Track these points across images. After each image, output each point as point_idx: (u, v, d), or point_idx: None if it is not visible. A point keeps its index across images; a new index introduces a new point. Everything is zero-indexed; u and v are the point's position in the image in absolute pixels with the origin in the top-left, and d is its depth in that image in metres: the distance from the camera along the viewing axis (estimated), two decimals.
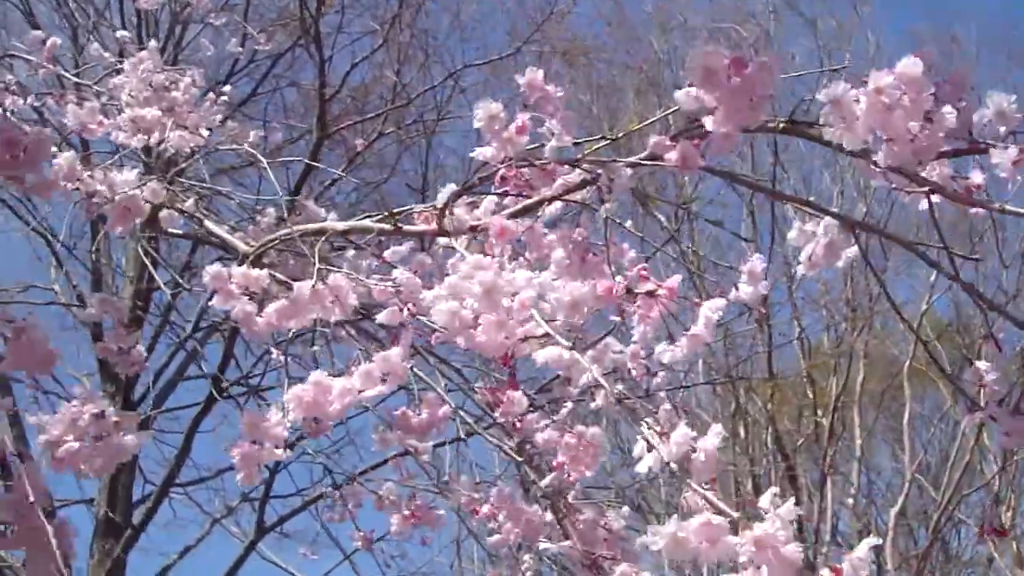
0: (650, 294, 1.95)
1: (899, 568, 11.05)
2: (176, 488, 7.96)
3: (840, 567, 1.41)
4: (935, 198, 1.95)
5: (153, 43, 2.95)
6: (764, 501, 1.38)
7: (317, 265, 2.00)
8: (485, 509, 2.79)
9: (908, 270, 12.09)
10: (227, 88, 4.51)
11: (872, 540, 1.47)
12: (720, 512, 1.39)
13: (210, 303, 2.09)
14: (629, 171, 1.98)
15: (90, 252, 7.73)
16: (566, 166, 2.05)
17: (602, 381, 1.69)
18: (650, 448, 1.52)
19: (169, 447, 8.10)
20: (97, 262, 7.70)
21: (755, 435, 11.31)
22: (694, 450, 1.49)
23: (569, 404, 2.92)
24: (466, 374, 3.27)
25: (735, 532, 1.35)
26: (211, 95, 3.27)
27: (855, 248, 2.15)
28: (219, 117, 3.14)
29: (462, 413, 2.93)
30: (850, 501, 11.57)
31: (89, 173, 2.41)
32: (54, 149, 2.35)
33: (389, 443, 2.92)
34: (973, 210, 1.98)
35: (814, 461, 11.28)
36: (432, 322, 1.82)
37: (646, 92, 11.97)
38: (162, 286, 4.79)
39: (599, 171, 1.99)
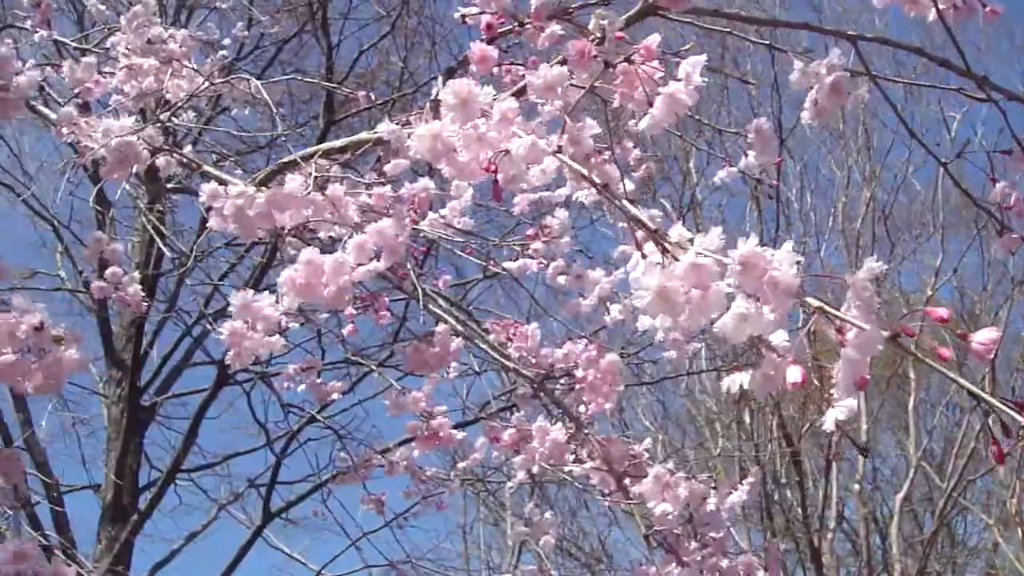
0: (627, 60, 1.67)
1: (904, 554, 11.06)
2: (182, 474, 7.97)
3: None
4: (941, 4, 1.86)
5: None
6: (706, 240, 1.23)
7: (313, 173, 1.93)
8: (506, 436, 2.75)
9: (913, 256, 12.08)
10: (226, 42, 4.48)
11: (877, 264, 1.24)
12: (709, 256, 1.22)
13: (202, 227, 2.05)
14: (617, 16, 1.83)
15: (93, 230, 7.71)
16: (554, 21, 1.91)
17: (571, 164, 1.58)
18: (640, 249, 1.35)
19: (175, 433, 8.14)
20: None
21: (760, 421, 11.31)
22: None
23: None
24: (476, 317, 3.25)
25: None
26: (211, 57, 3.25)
27: (863, 90, 2.02)
28: (217, 72, 3.11)
29: (475, 346, 2.88)
30: (856, 487, 11.57)
31: (85, 120, 2.39)
32: (17, 65, 2.33)
33: (402, 408, 2.90)
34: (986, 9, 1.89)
35: (819, 447, 11.28)
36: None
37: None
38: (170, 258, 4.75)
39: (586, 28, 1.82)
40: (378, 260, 1.84)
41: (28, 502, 6.45)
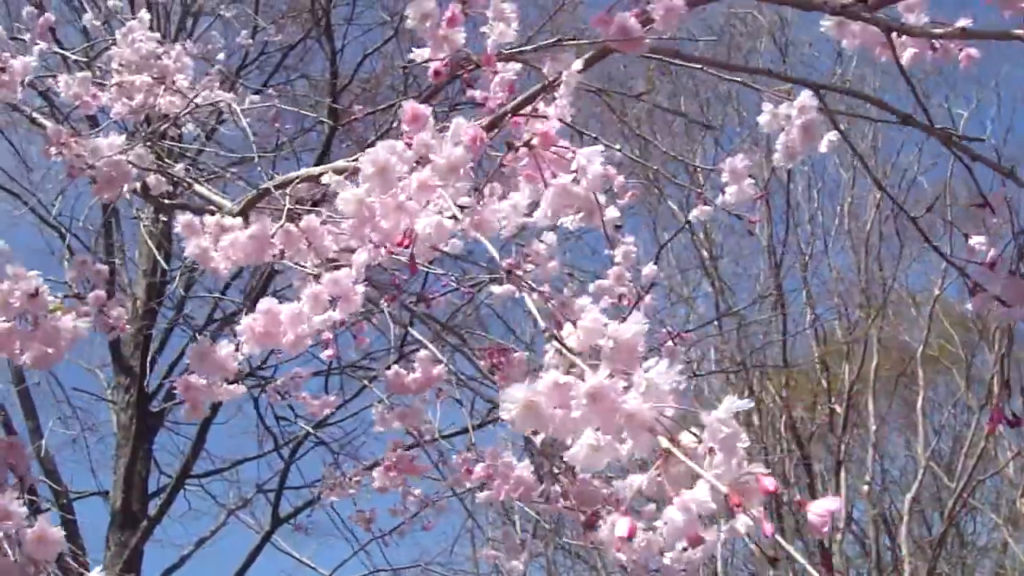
0: (527, 144, 1.65)
1: (914, 554, 11.03)
2: (191, 480, 7.99)
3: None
4: (911, 50, 1.88)
5: (144, 13, 2.92)
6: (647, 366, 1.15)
7: (287, 206, 1.93)
8: (478, 470, 2.76)
9: (920, 257, 12.05)
10: (220, 56, 4.47)
11: (736, 400, 1.12)
12: (576, 374, 1.17)
13: (184, 254, 2.04)
14: (574, 58, 1.84)
15: (95, 239, 7.73)
16: (508, 63, 1.93)
17: (499, 263, 1.60)
18: (555, 336, 1.26)
19: (184, 439, 8.16)
20: (110, 256, 7.71)
21: (769, 423, 11.30)
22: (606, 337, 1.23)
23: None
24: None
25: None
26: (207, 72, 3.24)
27: (834, 133, 1.98)
28: (217, 85, 3.11)
29: (455, 374, 2.90)
30: (864, 488, 11.54)
31: (75, 139, 2.40)
32: (6, 55, 2.35)
33: (389, 424, 2.91)
34: (961, 54, 1.89)
35: (828, 448, 11.27)
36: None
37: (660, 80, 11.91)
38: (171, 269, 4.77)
39: (544, 70, 1.85)
40: (334, 309, 1.83)
41: (37, 507, 6.47)
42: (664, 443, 1.12)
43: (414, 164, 1.57)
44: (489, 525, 12.23)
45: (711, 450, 1.11)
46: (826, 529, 1.09)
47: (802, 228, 11.88)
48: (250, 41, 7.67)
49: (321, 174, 2.16)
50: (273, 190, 2.10)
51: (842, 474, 10.76)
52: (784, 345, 10.95)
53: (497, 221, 1.67)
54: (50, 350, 1.90)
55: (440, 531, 14.93)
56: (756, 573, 11.60)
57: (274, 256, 1.94)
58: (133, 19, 2.87)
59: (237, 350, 1.95)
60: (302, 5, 8.32)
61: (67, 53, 3.36)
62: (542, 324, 1.28)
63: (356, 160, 2.00)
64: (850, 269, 12.04)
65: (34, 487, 6.16)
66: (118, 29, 2.95)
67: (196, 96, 2.82)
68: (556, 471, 2.55)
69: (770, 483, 1.10)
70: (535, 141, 1.64)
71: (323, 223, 1.99)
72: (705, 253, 11.62)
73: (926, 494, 12.18)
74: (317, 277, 1.85)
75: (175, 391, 2.11)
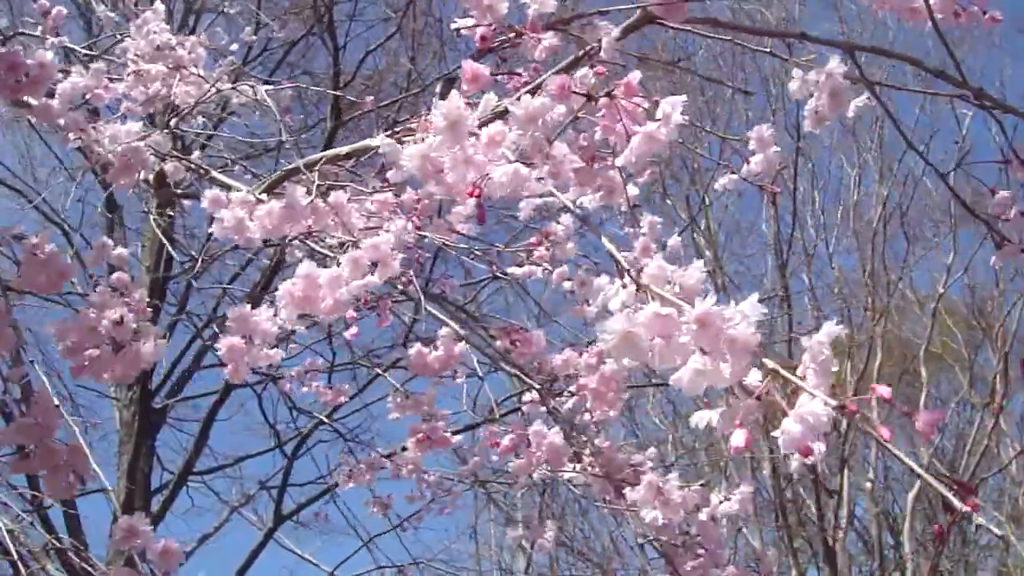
0: (608, 95, 1.72)
1: (916, 552, 11.03)
2: (194, 476, 8.00)
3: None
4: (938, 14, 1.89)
5: (159, 3, 2.93)
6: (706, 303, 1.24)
7: (316, 181, 1.95)
8: (506, 441, 2.77)
9: (925, 255, 12.05)
10: (234, 47, 4.47)
11: (836, 328, 1.28)
12: (673, 305, 1.25)
13: (209, 231, 2.06)
14: (612, 27, 1.89)
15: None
16: (550, 32, 1.95)
17: (562, 198, 1.61)
18: (624, 285, 1.36)
19: (186, 435, 8.17)
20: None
21: (772, 420, 11.27)
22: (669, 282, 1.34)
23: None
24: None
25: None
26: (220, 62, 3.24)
27: (863, 98, 2.01)
28: (226, 77, 3.12)
29: (478, 351, 2.90)
30: (868, 486, 11.55)
31: (93, 125, 2.40)
32: (59, 75, 2.35)
33: (405, 410, 2.91)
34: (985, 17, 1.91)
35: (832, 447, 11.26)
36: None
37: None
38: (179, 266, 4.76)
39: (584, 39, 1.89)
40: (373, 274, 1.85)
41: (41, 504, 6.47)
42: (770, 363, 1.25)
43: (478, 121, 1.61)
44: (491, 522, 12.28)
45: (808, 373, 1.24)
46: (932, 435, 1.30)
47: (806, 228, 11.86)
48: (254, 38, 7.66)
49: (348, 154, 2.19)
50: (303, 168, 2.09)
51: (845, 472, 10.75)
52: (789, 344, 10.94)
53: (571, 170, 1.74)
54: (131, 372, 2.05)
55: (442, 529, 14.96)
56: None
57: (306, 228, 1.96)
58: (146, 10, 2.87)
59: (275, 315, 1.97)
60: (305, 2, 8.33)
61: (76, 48, 3.36)
62: (622, 263, 1.36)
63: (404, 126, 2.03)
64: (854, 269, 12.03)
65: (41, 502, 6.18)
66: (132, 21, 2.96)
67: (213, 85, 2.82)
68: (585, 439, 2.55)
69: (886, 391, 1.26)
70: (617, 91, 1.70)
71: (349, 200, 2.01)
72: (709, 253, 11.61)
73: (929, 492, 12.17)
74: (356, 241, 1.86)
75: (191, 374, 2.15)
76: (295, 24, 8.58)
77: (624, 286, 1.36)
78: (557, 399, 2.74)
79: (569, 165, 1.71)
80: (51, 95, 2.38)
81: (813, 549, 10.88)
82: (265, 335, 2.04)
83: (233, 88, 2.99)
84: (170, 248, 4.77)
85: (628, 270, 1.34)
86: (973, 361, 12.48)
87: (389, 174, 2.27)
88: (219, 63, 3.63)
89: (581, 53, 1.95)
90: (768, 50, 2.23)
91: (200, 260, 5.32)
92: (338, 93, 6.24)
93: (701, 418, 1.30)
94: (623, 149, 1.69)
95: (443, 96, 1.78)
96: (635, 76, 1.72)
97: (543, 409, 2.79)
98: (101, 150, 2.35)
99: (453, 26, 2.01)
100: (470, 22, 1.95)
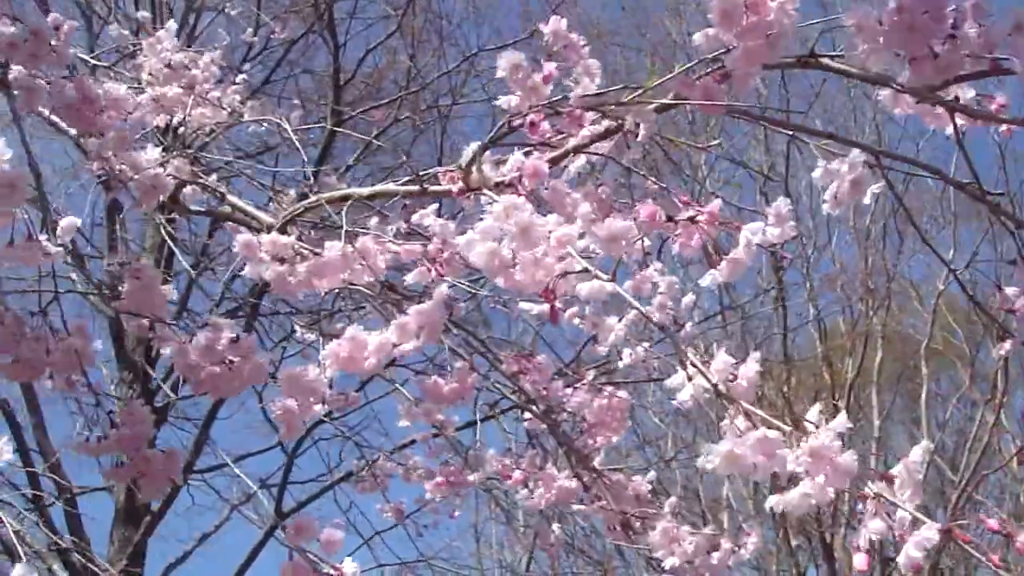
0: (691, 220, 2.00)
1: None
2: (195, 475, 7.99)
3: (892, 473, 1.49)
4: (960, 120, 1.94)
5: (172, 23, 2.93)
6: (812, 415, 1.42)
7: (344, 227, 2.00)
8: (517, 475, 2.85)
9: (925, 249, 12.04)
10: (246, 67, 4.48)
11: (926, 444, 1.54)
12: (773, 427, 1.40)
13: (241, 272, 2.12)
14: (655, 114, 1.99)
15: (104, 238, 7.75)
16: (592, 113, 2.05)
17: (637, 306, 1.67)
18: (690, 378, 1.52)
19: (187, 433, 8.17)
20: (115, 250, 7.72)
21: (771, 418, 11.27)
22: (734, 377, 1.54)
23: (592, 374, 2.95)
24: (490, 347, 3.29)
25: (788, 447, 1.38)
26: (229, 78, 3.26)
27: (881, 183, 2.12)
28: (239, 97, 3.13)
29: (489, 384, 2.95)
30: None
31: (114, 154, 2.43)
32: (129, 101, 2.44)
33: (415, 417, 2.94)
34: (1003, 128, 1.98)
35: None
36: (463, 276, 1.80)
37: (661, 74, 11.88)
38: (186, 266, 4.77)
39: (624, 119, 1.99)
40: (418, 338, 1.91)
41: (43, 503, 6.48)
42: (872, 491, 1.49)
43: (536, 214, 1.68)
44: (492, 520, 12.29)
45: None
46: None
47: (804, 221, 11.85)
48: (253, 37, 7.66)
49: (372, 195, 2.27)
50: (325, 204, 2.18)
51: None
52: (785, 339, 10.94)
53: (651, 286, 2.04)
54: (235, 383, 2.17)
55: (444, 528, 14.95)
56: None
57: (343, 282, 2.02)
58: (145, 15, 2.88)
59: (322, 374, 2.03)
60: (305, 0, 8.33)
61: (89, 59, 3.36)
62: (699, 368, 1.52)
63: (406, 183, 2.20)
64: (852, 262, 12.02)
65: (43, 499, 6.16)
66: (144, 39, 2.97)
67: (229, 110, 2.86)
68: (594, 475, 2.65)
69: (994, 523, 1.63)
70: (701, 218, 2.01)
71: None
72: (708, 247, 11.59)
73: (930, 488, 12.18)
74: (400, 306, 1.97)
75: (186, 381, 2.22)
76: (295, 23, 8.58)
77: (689, 378, 1.52)
78: (560, 429, 2.82)
79: (649, 282, 2.01)
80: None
81: (812, 547, 10.89)
82: (315, 393, 2.08)
83: (252, 118, 3.00)
84: (175, 249, 4.77)
85: (715, 385, 1.50)
86: (974, 357, 12.48)
87: (413, 216, 2.30)
88: (228, 77, 3.62)
89: (607, 128, 2.05)
90: (790, 133, 2.30)
91: (200, 265, 5.34)
92: (342, 109, 6.20)
93: (776, 503, 1.42)
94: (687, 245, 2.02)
95: (474, 163, 1.95)
96: (716, 204, 2.01)
97: (544, 427, 2.86)
98: (124, 179, 2.39)
99: (496, 102, 2.10)
100: (513, 100, 2.04)
